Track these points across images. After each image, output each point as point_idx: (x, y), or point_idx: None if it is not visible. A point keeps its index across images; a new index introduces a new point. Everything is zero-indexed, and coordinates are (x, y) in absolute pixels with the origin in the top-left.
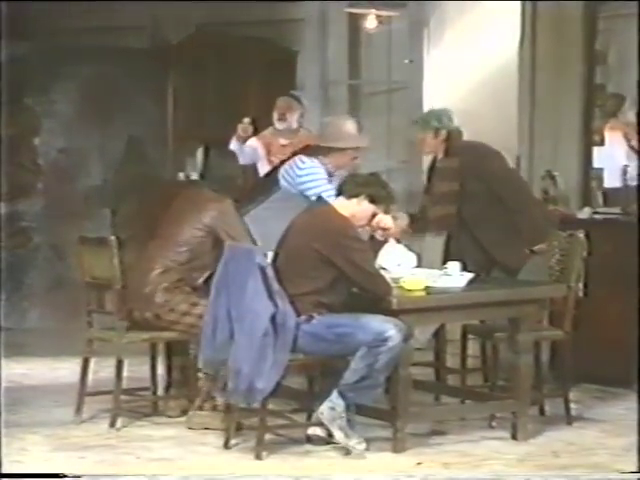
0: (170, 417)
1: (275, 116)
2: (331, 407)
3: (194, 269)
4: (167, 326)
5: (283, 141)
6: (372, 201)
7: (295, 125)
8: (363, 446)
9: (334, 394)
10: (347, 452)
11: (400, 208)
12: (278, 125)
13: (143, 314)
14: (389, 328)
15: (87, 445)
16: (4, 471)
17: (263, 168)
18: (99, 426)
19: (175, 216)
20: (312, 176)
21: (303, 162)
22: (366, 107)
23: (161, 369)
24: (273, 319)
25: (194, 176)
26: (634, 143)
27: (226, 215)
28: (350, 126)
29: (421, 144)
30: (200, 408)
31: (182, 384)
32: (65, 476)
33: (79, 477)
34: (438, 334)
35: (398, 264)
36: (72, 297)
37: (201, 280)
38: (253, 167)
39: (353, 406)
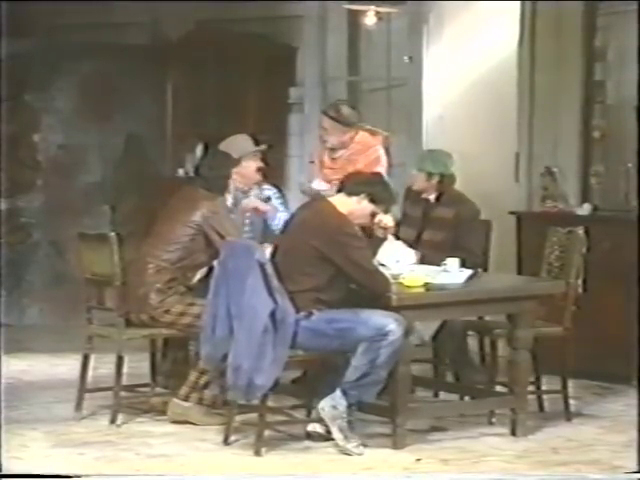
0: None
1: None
2: (333, 405)
3: (187, 268)
4: (164, 327)
5: (335, 154)
6: (372, 201)
7: (337, 142)
8: (360, 450)
9: (337, 393)
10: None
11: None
12: (325, 144)
13: (139, 316)
14: (389, 322)
15: (87, 441)
16: (4, 466)
17: (319, 185)
18: (99, 422)
19: (169, 215)
20: None
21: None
22: (365, 104)
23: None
24: (272, 315)
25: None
26: None
27: (216, 214)
28: (239, 138)
29: (413, 181)
30: (185, 399)
31: (170, 375)
32: (66, 476)
33: (79, 477)
34: (437, 330)
35: (397, 260)
36: (72, 293)
37: (196, 279)
38: None
39: (355, 406)
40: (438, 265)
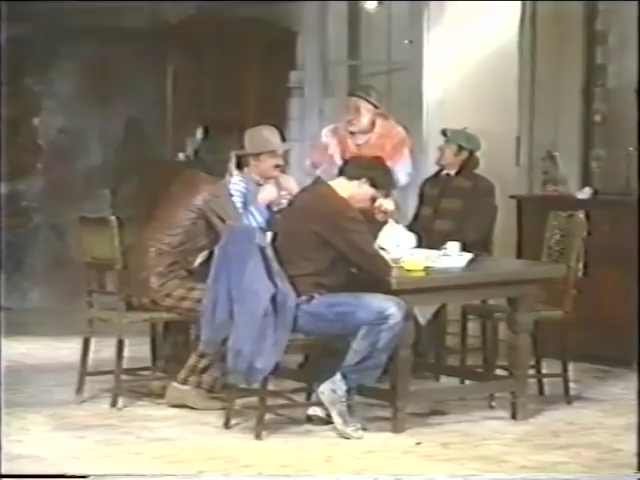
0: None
1: (344, 118)
2: (333, 389)
3: (188, 252)
4: (165, 311)
5: (359, 140)
6: (373, 185)
7: (366, 125)
8: (360, 434)
9: (337, 376)
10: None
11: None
12: (349, 127)
13: (140, 299)
14: (390, 306)
15: (88, 425)
16: (5, 449)
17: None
18: (100, 406)
19: (170, 199)
20: (233, 191)
21: (233, 176)
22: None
23: None
24: (273, 299)
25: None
26: None
27: (217, 197)
28: (265, 132)
29: (441, 153)
30: (184, 382)
31: (170, 360)
32: (69, 476)
33: (85, 477)
34: (438, 314)
35: (397, 244)
36: (73, 277)
37: (197, 263)
38: None
39: (355, 390)
40: (455, 233)
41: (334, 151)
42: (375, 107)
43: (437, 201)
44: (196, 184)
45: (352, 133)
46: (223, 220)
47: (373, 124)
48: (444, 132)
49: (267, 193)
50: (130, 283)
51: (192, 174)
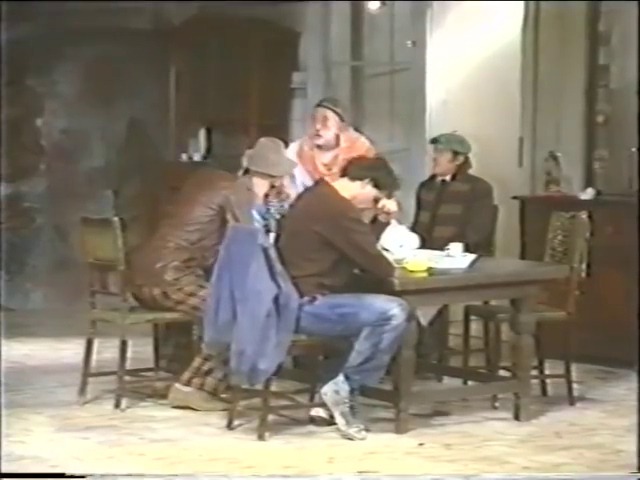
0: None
1: (311, 130)
2: (335, 390)
3: (205, 248)
4: (172, 306)
5: (325, 158)
6: (376, 185)
7: (332, 138)
8: (363, 434)
9: (340, 377)
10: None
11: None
12: (316, 140)
13: (152, 291)
14: (393, 307)
15: (91, 426)
16: (8, 450)
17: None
18: (103, 407)
19: (187, 196)
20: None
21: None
22: (368, 88)
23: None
24: (276, 300)
25: (196, 157)
26: None
27: (236, 195)
28: (272, 157)
29: (436, 162)
30: (187, 384)
31: (173, 359)
32: (66, 476)
33: (83, 477)
34: (441, 315)
35: (400, 245)
36: (75, 278)
37: (213, 259)
38: None
39: (358, 391)
40: (456, 238)
41: (303, 177)
42: (341, 119)
43: (435, 207)
44: (215, 181)
45: (319, 147)
46: (237, 219)
47: (338, 139)
48: (435, 140)
49: (260, 187)
50: (143, 275)
51: (209, 172)
